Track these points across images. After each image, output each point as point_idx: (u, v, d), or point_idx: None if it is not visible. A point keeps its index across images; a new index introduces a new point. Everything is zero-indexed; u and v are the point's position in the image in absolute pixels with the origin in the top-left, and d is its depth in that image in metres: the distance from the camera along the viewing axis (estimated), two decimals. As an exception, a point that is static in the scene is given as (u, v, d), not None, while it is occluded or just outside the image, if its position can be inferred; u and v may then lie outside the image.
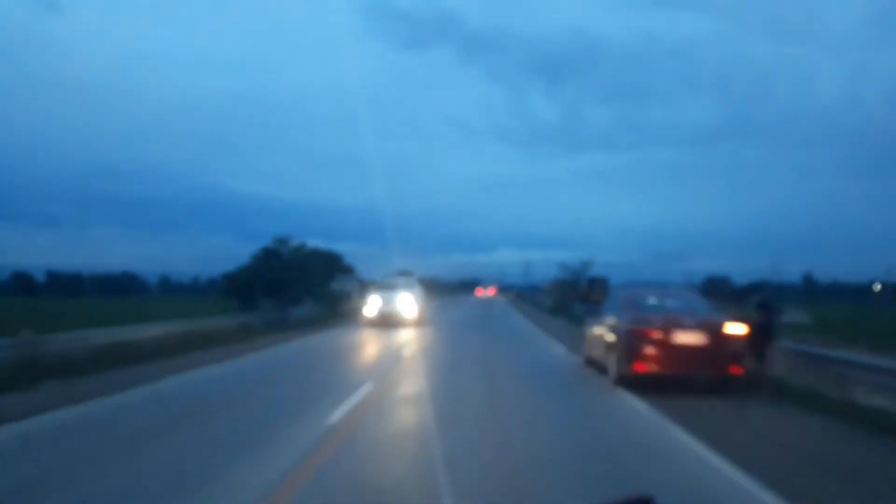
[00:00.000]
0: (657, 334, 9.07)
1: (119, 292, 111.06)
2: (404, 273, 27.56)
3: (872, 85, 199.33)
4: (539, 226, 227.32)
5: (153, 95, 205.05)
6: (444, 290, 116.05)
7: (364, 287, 30.05)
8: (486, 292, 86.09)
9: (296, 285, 23.26)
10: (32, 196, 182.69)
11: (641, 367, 9.13)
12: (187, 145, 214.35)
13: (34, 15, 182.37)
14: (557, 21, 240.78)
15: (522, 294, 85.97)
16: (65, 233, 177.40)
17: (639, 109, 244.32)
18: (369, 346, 16.67)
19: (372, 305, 22.66)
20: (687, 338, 9.05)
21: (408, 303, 22.64)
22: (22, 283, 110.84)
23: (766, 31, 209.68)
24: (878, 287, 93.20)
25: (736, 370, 9.05)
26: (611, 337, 10.18)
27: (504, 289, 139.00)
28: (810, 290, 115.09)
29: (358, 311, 24.32)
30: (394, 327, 21.74)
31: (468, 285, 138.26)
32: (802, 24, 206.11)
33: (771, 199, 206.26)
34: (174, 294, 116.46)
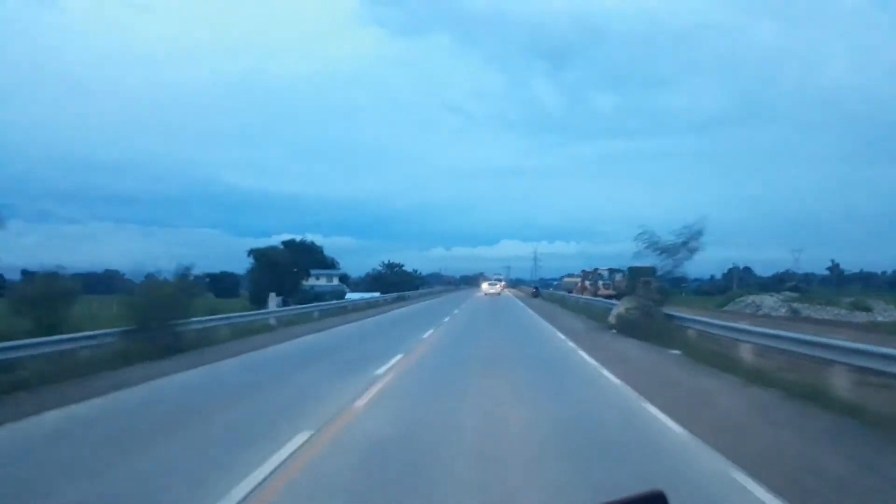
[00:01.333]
0: None
1: (100, 291, 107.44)
2: None
3: (887, 68, 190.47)
4: (544, 217, 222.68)
5: (143, 86, 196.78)
6: (448, 286, 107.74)
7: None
8: (493, 289, 70.58)
9: None
10: (16, 191, 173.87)
11: None
12: (178, 136, 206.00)
13: (26, 5, 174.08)
14: (560, 4, 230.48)
15: (542, 291, 71.83)
16: (53, 229, 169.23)
17: (646, 95, 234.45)
18: None
19: None
20: None
21: None
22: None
23: (775, 13, 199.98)
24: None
25: None
26: None
27: (512, 284, 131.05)
28: (840, 280, 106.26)
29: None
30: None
31: (471, 280, 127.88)
32: (812, 6, 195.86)
33: (783, 187, 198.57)
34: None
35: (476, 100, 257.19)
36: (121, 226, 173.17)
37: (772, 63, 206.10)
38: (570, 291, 48.94)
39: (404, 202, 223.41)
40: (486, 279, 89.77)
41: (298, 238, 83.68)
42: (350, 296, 48.24)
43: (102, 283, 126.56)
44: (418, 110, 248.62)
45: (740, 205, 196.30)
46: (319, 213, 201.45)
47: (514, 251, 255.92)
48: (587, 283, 45.76)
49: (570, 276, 68.43)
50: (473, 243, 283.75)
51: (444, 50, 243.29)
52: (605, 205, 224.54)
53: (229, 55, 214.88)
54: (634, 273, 36.09)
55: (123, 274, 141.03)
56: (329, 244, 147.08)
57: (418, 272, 78.79)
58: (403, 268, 72.79)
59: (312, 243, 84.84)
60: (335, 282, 70.53)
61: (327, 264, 79.69)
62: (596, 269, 43.76)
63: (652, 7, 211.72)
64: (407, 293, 51.15)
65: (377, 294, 47.13)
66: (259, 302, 61.24)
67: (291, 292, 59.20)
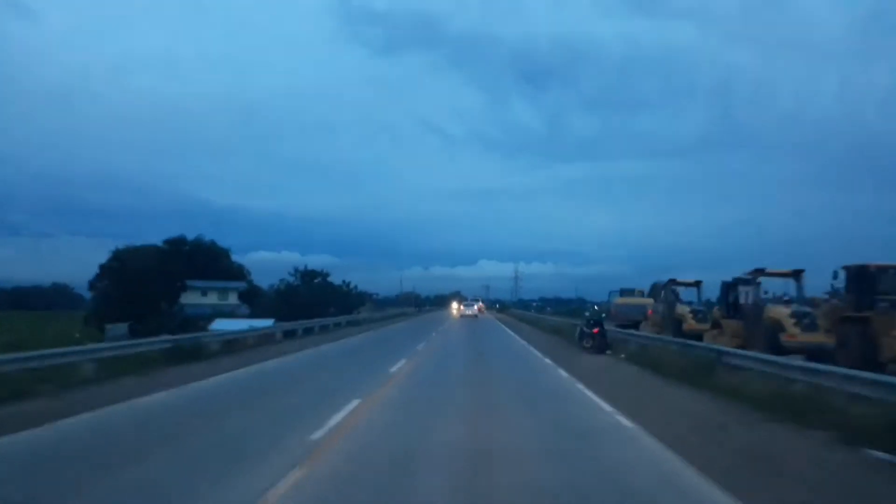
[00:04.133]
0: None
1: (42, 307, 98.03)
2: None
3: (861, 95, 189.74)
4: (522, 237, 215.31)
5: (120, 99, 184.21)
6: (407, 308, 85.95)
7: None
8: (469, 311, 56.88)
9: None
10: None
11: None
12: (154, 150, 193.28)
13: (2, 17, 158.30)
14: (540, 27, 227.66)
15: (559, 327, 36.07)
16: (23, 243, 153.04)
17: (624, 118, 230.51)
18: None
19: None
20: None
21: None
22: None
23: (752, 40, 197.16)
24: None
25: None
26: None
27: (492, 305, 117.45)
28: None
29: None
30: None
31: (444, 301, 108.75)
32: (789, 33, 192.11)
33: (759, 211, 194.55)
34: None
35: (456, 120, 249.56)
36: (95, 240, 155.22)
37: (751, 89, 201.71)
38: (635, 326, 25.72)
39: (382, 220, 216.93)
40: (462, 299, 76.17)
41: (198, 237, 62.34)
42: (220, 325, 28.02)
43: (46, 297, 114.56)
44: (397, 129, 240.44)
45: (718, 228, 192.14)
46: (296, 230, 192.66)
47: (492, 271, 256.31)
48: (686, 309, 22.51)
49: (626, 292, 32.42)
50: (452, 263, 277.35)
51: (424, 70, 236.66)
52: (584, 227, 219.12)
53: (209, 70, 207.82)
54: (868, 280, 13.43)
55: (73, 288, 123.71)
56: (306, 261, 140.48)
57: (353, 286, 54.11)
58: (329, 278, 48.31)
59: (213, 244, 63.40)
60: (232, 299, 49.42)
61: (233, 273, 58.69)
62: (760, 271, 17.40)
63: (632, 32, 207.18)
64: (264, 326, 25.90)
65: (268, 322, 27.28)
66: (103, 328, 40.30)
67: (148, 315, 38.47)
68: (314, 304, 38.13)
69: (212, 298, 48.26)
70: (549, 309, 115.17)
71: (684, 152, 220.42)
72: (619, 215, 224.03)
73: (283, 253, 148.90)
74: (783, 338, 15.21)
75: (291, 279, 43.28)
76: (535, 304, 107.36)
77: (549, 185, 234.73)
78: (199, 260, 58.72)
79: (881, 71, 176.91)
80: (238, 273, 60.29)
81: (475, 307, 62.41)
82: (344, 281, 48.17)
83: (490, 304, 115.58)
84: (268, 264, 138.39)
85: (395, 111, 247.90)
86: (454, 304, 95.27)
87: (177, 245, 58.65)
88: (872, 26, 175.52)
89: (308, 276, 44.27)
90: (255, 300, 47.41)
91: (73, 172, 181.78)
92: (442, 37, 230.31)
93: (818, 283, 18.98)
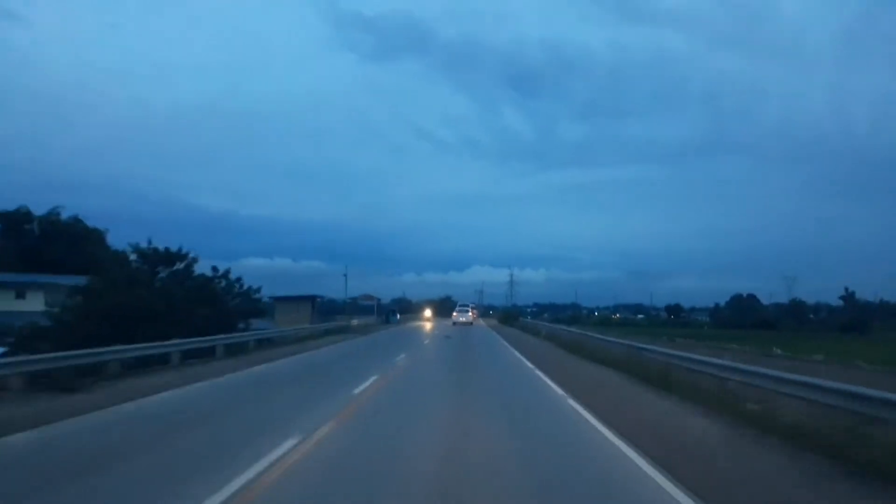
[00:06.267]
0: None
1: None
2: None
3: (850, 101, 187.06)
4: (515, 243, 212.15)
5: (111, 106, 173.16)
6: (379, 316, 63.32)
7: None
8: (463, 317, 54.86)
9: None
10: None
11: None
12: (145, 157, 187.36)
13: None
14: (531, 34, 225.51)
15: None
16: None
17: (614, 125, 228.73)
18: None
19: None
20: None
21: None
22: None
23: (741, 47, 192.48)
24: None
25: None
26: None
27: (485, 311, 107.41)
28: (867, 313, 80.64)
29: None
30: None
31: (420, 309, 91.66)
32: (778, 40, 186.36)
33: (750, 217, 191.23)
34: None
35: (447, 126, 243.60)
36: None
37: (741, 95, 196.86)
38: None
39: (374, 226, 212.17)
40: (443, 306, 77.06)
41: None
42: None
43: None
44: (389, 135, 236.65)
45: (710, 234, 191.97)
46: (289, 236, 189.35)
47: (485, 277, 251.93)
48: None
49: None
50: (443, 269, 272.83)
51: (415, 76, 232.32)
52: (577, 233, 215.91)
53: (201, 78, 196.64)
54: None
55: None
56: (299, 268, 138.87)
57: (238, 281, 28.60)
58: (193, 267, 26.43)
59: (77, 222, 48.22)
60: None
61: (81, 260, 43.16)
62: None
63: (622, 39, 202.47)
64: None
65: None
66: None
67: None
68: (159, 310, 23.20)
69: (33, 303, 32.64)
70: (546, 315, 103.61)
71: (676, 158, 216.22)
72: (612, 221, 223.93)
73: (276, 260, 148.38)
74: None
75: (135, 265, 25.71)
76: (530, 310, 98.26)
77: (541, 191, 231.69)
78: (56, 246, 43.18)
79: (871, 78, 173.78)
80: (121, 256, 44.96)
81: (468, 314, 57.56)
82: (214, 268, 28.28)
83: (483, 311, 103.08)
84: (261, 271, 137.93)
85: (386, 117, 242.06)
86: (427, 313, 79.30)
87: (15, 222, 43.24)
88: (861, 33, 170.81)
89: (155, 261, 26.34)
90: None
91: (58, 178, 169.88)
92: (433, 44, 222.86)
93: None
